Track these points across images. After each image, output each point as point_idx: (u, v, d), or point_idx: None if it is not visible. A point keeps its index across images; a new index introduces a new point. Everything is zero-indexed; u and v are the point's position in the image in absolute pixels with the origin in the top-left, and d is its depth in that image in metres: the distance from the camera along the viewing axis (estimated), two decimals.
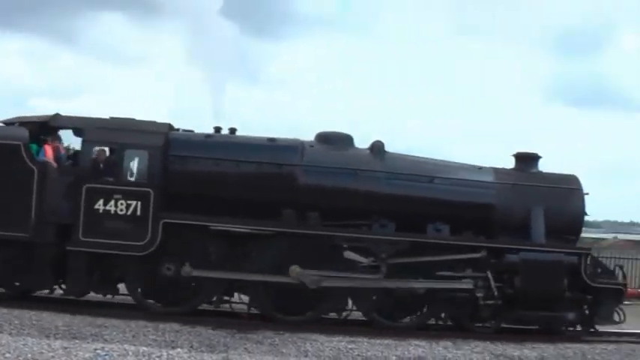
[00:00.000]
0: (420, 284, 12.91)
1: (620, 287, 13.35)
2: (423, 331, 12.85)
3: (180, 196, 12.57)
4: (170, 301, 12.91)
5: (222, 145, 13.20)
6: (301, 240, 12.75)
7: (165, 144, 12.79)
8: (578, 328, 13.43)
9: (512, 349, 11.80)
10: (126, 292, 13.12)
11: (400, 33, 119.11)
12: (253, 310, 13.17)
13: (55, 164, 12.69)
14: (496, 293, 12.89)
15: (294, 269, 12.59)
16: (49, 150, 12.75)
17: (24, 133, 12.70)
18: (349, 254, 12.76)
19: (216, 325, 12.05)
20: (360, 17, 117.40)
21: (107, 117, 13.25)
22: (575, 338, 13.06)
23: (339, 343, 11.44)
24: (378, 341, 11.67)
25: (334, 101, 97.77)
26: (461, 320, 13.27)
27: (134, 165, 12.62)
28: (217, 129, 13.52)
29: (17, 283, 12.80)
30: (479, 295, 12.91)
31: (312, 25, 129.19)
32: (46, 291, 13.17)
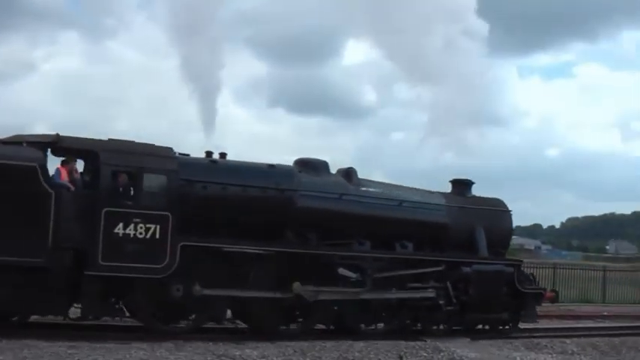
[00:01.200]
0: (397, 295, 14.69)
1: (540, 291, 16.25)
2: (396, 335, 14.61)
3: (192, 219, 13.00)
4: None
5: (229, 170, 13.81)
6: (301, 258, 13.87)
7: (178, 168, 13.12)
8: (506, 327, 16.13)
9: (233, 350, 12.00)
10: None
11: None
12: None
13: (72, 187, 12.41)
14: (454, 300, 15.09)
15: (297, 286, 13.67)
16: (64, 172, 12.43)
17: (39, 154, 12.26)
18: (343, 271, 14.14)
19: None
20: None
21: (106, 138, 13.21)
22: (506, 334, 15.68)
23: (59, 348, 11.18)
24: (99, 345, 11.64)
25: None
26: (422, 324, 15.26)
27: (153, 189, 12.78)
28: (209, 153, 14.08)
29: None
30: (441, 302, 15.01)
31: None
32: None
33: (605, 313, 23.38)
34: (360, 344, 12.84)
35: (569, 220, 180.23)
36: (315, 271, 13.96)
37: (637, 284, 32.56)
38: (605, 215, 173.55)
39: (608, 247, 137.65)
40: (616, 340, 15.69)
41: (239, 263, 13.42)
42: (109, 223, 12.32)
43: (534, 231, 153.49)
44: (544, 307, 17.68)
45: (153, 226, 12.59)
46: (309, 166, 14.79)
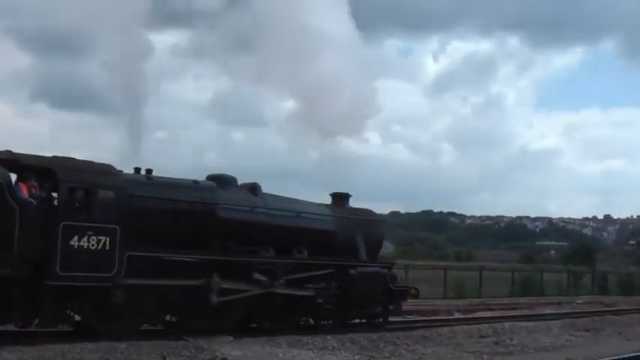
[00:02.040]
0: (284, 291, 16.74)
1: (406, 289, 19.23)
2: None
3: (133, 230, 14.28)
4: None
5: (163, 186, 15.20)
6: (223, 265, 15.65)
7: (124, 185, 14.34)
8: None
9: None
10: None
11: None
12: None
13: (34, 202, 13.21)
14: (335, 300, 17.54)
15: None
16: (24, 188, 13.19)
17: (4, 171, 12.95)
18: (257, 275, 16.10)
19: None
20: None
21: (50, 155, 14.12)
22: (380, 327, 18.38)
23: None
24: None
25: None
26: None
27: (104, 204, 13.89)
28: (138, 169, 15.37)
29: None
30: (320, 300, 17.37)
31: None
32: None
33: None
34: (123, 345, 12.75)
35: None
36: (233, 275, 15.79)
37: None
38: None
39: None
40: (374, 335, 16.41)
41: (173, 270, 14.93)
42: (66, 236, 13.36)
43: None
44: None
45: (103, 239, 13.79)
46: (222, 182, 16.55)
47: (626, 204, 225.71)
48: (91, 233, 13.61)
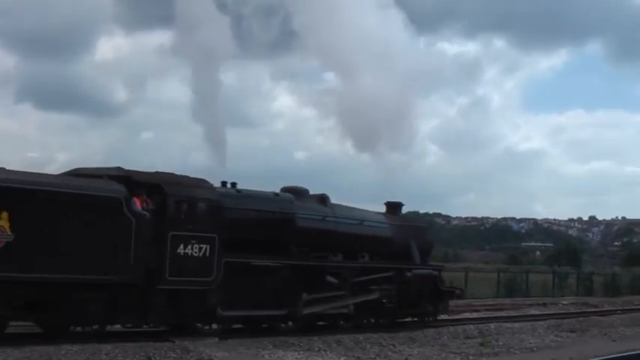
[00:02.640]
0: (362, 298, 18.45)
1: (452, 289, 20.88)
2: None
3: (227, 239, 15.76)
4: None
5: (248, 198, 16.72)
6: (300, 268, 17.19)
7: (219, 198, 15.85)
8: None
9: None
10: None
11: None
12: None
13: (147, 215, 14.66)
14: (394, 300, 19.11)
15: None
16: (137, 202, 14.63)
17: (122, 187, 14.38)
18: (329, 278, 17.65)
19: None
20: None
21: (154, 171, 15.61)
22: (430, 324, 20.00)
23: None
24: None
25: None
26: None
27: (204, 215, 15.36)
28: (224, 183, 16.86)
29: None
30: (384, 301, 18.97)
31: None
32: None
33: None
34: (108, 347, 12.83)
35: None
36: (308, 277, 17.30)
37: None
38: None
39: None
40: (360, 336, 16.64)
41: (258, 274, 16.42)
42: (173, 245, 14.83)
43: None
44: None
45: (205, 246, 15.26)
46: (297, 193, 18.07)
47: (611, 205, 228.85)
48: (194, 242, 15.04)
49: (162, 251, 14.64)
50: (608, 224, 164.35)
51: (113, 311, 14.30)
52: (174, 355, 12.94)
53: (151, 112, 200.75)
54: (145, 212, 14.70)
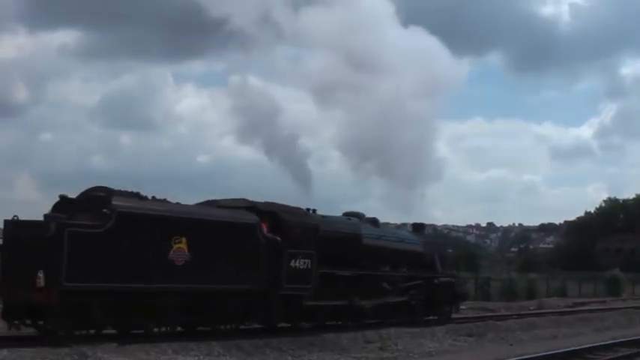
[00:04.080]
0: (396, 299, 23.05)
1: (463, 293, 25.95)
2: None
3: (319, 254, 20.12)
4: None
5: (331, 222, 21.14)
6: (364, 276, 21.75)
7: (317, 223, 20.23)
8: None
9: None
10: None
11: None
12: None
13: (275, 238, 18.80)
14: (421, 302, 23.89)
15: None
16: (264, 227, 18.81)
17: (254, 216, 18.53)
18: (385, 285, 22.30)
19: None
20: None
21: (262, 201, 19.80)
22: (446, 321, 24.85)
23: None
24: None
25: None
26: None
27: (308, 236, 19.66)
28: (307, 209, 21.17)
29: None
30: (413, 303, 23.72)
31: None
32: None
33: None
34: (4, 352, 12.92)
35: None
36: (366, 284, 21.87)
37: None
38: None
39: None
40: (260, 341, 16.85)
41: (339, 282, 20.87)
42: (288, 260, 19.10)
43: None
44: None
45: (307, 261, 19.61)
46: (357, 217, 22.57)
47: (508, 212, 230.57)
48: (300, 257, 19.30)
49: (280, 265, 18.87)
50: (506, 230, 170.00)
51: (246, 312, 18.50)
52: None
53: (50, 112, 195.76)
54: (270, 235, 18.93)
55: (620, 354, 18.32)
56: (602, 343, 19.69)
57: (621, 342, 20.21)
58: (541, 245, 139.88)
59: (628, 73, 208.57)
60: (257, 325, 19.51)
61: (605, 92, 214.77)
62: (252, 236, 18.30)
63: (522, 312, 32.51)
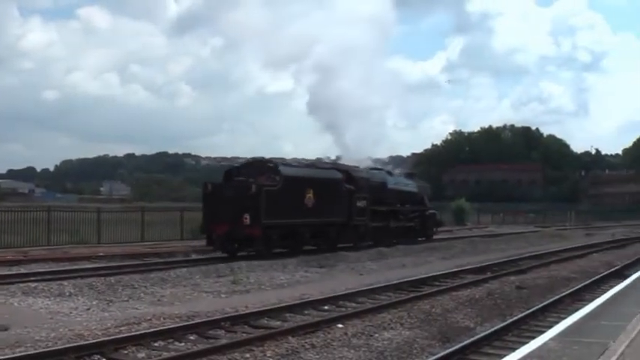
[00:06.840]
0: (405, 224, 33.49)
1: (442, 222, 37.20)
2: None
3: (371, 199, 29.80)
4: None
5: (373, 173, 31.11)
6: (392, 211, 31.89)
7: (368, 176, 30.01)
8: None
9: None
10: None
11: None
12: None
13: (352, 187, 28.26)
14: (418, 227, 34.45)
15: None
16: (344, 180, 28.32)
17: (339, 173, 28.16)
18: (401, 217, 32.51)
19: None
20: None
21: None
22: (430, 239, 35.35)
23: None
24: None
25: None
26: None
27: (364, 185, 29.34)
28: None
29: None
30: (417, 228, 34.12)
31: None
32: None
33: (101, 254, 23.78)
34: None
35: (64, 162, 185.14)
36: (392, 215, 31.91)
37: (130, 224, 32.30)
38: (99, 157, 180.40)
39: (102, 189, 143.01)
40: (112, 279, 16.43)
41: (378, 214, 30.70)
42: (354, 202, 28.62)
43: (27, 174, 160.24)
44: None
45: (364, 202, 29.30)
46: (379, 169, 32.63)
47: None
48: (361, 199, 29.03)
49: (351, 205, 28.46)
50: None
51: (337, 236, 28.12)
52: None
53: None
54: (348, 185, 28.44)
55: (466, 280, 18.66)
56: (448, 271, 20.56)
57: (467, 269, 21.20)
58: None
59: (474, 10, 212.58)
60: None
61: (452, 27, 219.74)
62: (339, 187, 27.94)
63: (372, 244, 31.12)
